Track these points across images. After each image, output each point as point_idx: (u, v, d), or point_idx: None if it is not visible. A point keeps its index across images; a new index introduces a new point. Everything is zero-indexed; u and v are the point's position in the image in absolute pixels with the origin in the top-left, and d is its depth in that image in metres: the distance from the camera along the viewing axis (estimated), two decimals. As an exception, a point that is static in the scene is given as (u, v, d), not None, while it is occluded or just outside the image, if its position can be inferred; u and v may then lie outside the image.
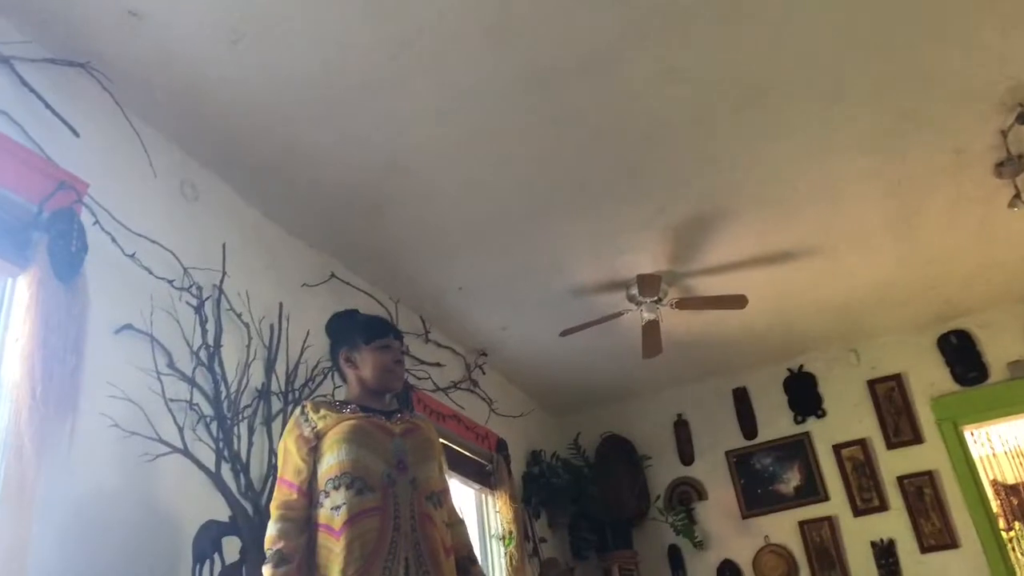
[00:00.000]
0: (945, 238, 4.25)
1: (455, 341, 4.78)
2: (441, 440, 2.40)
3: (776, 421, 5.56)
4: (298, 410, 2.15)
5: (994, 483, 6.29)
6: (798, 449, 5.41)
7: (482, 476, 4.70)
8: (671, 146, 3.38)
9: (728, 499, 5.51)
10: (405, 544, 1.95)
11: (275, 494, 2.04)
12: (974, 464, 5.02)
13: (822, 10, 2.75)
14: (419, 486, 2.05)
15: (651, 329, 4.45)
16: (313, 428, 2.06)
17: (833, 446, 5.31)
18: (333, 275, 3.80)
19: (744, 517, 5.43)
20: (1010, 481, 6.49)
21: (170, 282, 2.81)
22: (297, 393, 3.25)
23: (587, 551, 5.49)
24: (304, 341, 3.35)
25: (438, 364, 4.49)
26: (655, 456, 5.83)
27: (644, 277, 4.21)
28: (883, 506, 5.05)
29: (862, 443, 5.23)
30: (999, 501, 6.15)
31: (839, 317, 5.07)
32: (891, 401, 5.25)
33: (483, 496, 4.82)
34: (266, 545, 1.94)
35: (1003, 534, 5.21)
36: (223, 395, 2.87)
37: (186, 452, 2.61)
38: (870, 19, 2.80)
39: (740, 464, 5.56)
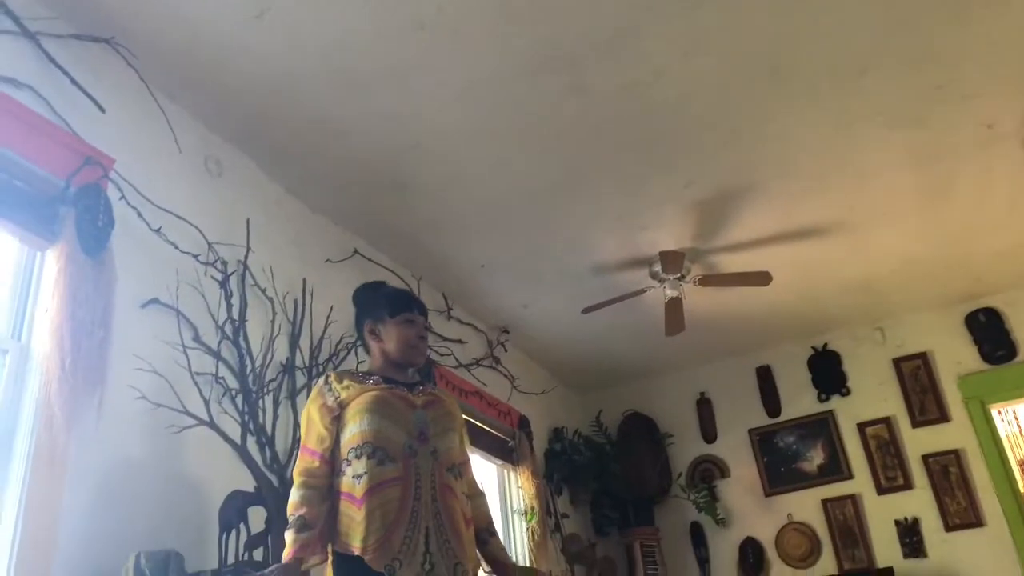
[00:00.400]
0: (974, 214, 4.18)
1: (477, 318, 4.80)
2: (464, 416, 2.42)
3: (800, 399, 5.53)
4: (322, 380, 2.17)
5: (1021, 463, 6.21)
6: (822, 427, 5.38)
7: (504, 452, 4.73)
8: (695, 121, 3.34)
9: (751, 477, 5.50)
10: (425, 514, 1.97)
11: (298, 461, 2.06)
12: (1001, 443, 4.96)
13: (849, -20, 2.70)
14: (440, 457, 2.07)
15: (674, 306, 4.43)
16: (336, 398, 2.08)
17: (857, 424, 5.27)
18: (356, 252, 3.82)
19: (767, 495, 5.41)
20: (1037, 460, 6.41)
21: (195, 257, 2.84)
22: (321, 368, 3.28)
23: (609, 528, 5.52)
24: (328, 317, 3.38)
25: (460, 341, 4.51)
26: (677, 434, 5.82)
27: (667, 254, 4.19)
28: (907, 484, 5.01)
29: (887, 421, 5.19)
30: (1026, 480, 6.08)
31: (865, 294, 5.01)
32: (917, 379, 5.19)
33: (505, 472, 4.85)
34: (288, 511, 1.97)
35: (1029, 513, 5.15)
36: (248, 369, 2.90)
37: (212, 424, 2.65)
38: (899, -11, 2.75)
39: (763, 442, 5.54)
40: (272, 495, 2.64)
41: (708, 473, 5.65)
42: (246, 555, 2.46)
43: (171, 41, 2.71)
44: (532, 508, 4.59)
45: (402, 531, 1.92)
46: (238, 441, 2.74)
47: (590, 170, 3.59)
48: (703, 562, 5.44)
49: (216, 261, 2.93)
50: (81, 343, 2.21)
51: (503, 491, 4.81)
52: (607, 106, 3.19)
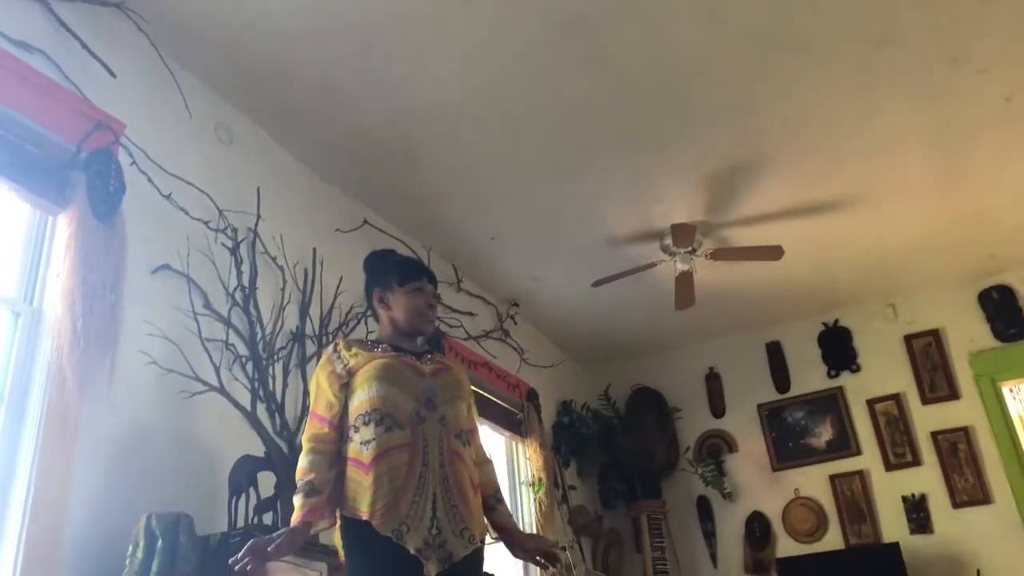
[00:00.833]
0: (991, 190, 4.13)
1: (487, 291, 4.79)
2: (472, 387, 2.42)
3: (809, 375, 5.51)
4: (331, 347, 2.17)
5: (1031, 441, 6.19)
6: (831, 403, 5.38)
7: (513, 424, 4.75)
8: (710, 91, 3.31)
9: (759, 452, 5.51)
10: (433, 479, 1.97)
11: (307, 427, 2.07)
12: (1011, 421, 4.94)
13: (868, -52, 2.66)
14: (448, 424, 2.07)
15: (684, 280, 4.41)
16: (345, 365, 2.09)
17: (867, 401, 5.26)
18: (366, 222, 3.81)
19: (775, 470, 5.42)
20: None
21: (206, 223, 2.85)
22: (331, 336, 3.30)
23: (615, 500, 5.55)
24: (337, 287, 3.39)
25: (470, 313, 4.51)
26: (685, 408, 5.83)
27: (678, 227, 4.17)
28: (916, 461, 5.01)
29: (896, 398, 5.17)
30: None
31: (877, 270, 4.98)
32: (928, 356, 5.17)
33: (513, 444, 4.87)
34: (297, 476, 1.98)
35: (1038, 491, 5.15)
36: (258, 336, 2.91)
37: (222, 391, 2.67)
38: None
39: (772, 417, 5.54)
40: (281, 461, 2.66)
41: (716, 448, 5.66)
42: (255, 519, 2.49)
43: (182, 7, 2.69)
44: (540, 479, 4.62)
45: (410, 496, 1.93)
46: (248, 408, 2.75)
47: (603, 140, 3.56)
48: (709, 536, 5.47)
49: (226, 228, 2.94)
50: (92, 307, 2.22)
51: (511, 462, 4.84)
52: (621, 74, 3.16)
